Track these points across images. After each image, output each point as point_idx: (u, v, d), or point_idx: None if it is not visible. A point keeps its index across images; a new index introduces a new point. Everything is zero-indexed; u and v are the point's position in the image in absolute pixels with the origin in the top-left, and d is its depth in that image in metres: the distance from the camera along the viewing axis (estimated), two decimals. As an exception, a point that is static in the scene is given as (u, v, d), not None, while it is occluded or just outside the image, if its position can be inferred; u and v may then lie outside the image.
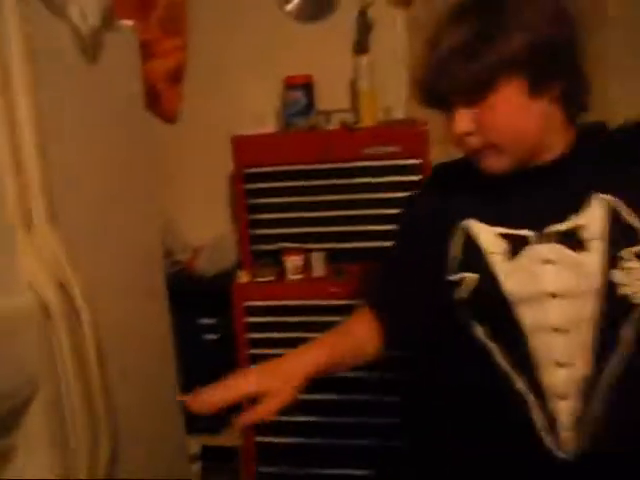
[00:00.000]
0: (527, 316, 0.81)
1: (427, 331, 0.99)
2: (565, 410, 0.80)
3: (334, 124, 1.92)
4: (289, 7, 2.05)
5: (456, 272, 0.85)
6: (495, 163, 0.81)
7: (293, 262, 1.83)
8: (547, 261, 0.80)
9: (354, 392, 1.78)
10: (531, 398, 0.81)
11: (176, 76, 2.03)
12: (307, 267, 1.86)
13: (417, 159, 1.77)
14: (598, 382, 0.79)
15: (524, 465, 0.83)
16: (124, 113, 1.31)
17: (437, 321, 0.92)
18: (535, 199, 0.83)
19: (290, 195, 1.89)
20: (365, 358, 0.93)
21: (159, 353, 1.44)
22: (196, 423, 1.79)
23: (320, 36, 2.03)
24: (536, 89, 0.76)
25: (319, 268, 1.85)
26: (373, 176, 1.82)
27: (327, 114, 1.95)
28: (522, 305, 0.81)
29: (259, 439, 1.87)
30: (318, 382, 1.91)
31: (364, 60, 1.91)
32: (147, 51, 1.87)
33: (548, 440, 0.81)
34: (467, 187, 0.88)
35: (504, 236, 0.83)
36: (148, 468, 1.30)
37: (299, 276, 1.85)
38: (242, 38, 2.09)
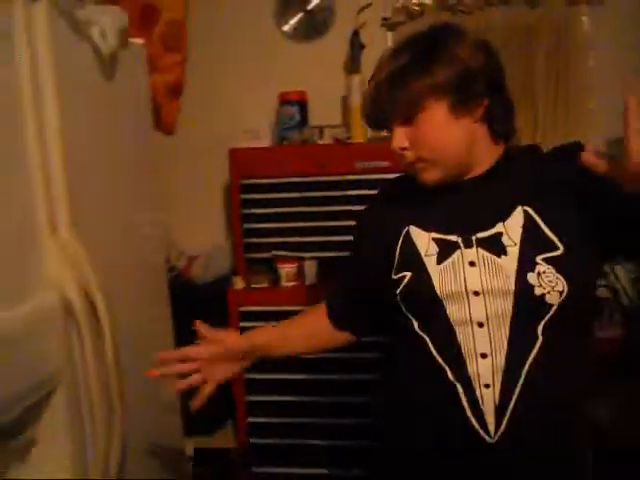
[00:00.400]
0: (453, 311, 0.91)
1: (379, 324, 1.12)
2: (489, 398, 0.90)
3: (327, 139, 2.02)
4: (286, 27, 2.15)
5: (397, 272, 0.96)
6: (428, 175, 0.92)
7: (287, 270, 1.91)
8: (471, 263, 0.91)
9: (348, 394, 1.86)
10: (459, 387, 0.91)
11: (175, 90, 2.11)
12: (300, 275, 1.94)
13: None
14: (517, 373, 0.89)
15: (458, 448, 0.93)
16: (134, 126, 1.38)
17: (387, 316, 1.02)
18: (466, 208, 0.94)
19: (284, 206, 1.97)
20: (321, 344, 1.15)
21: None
22: (188, 424, 1.84)
23: (314, 55, 2.13)
24: (458, 110, 0.89)
25: (312, 276, 1.93)
26: (364, 189, 1.91)
27: (320, 129, 2.04)
28: (449, 301, 0.91)
29: (253, 440, 1.93)
30: (314, 384, 1.98)
31: (356, 78, 2.02)
32: (148, 66, 1.95)
33: (476, 425, 0.90)
34: (409, 199, 1.00)
35: (437, 240, 0.94)
36: (149, 465, 1.35)
37: (292, 283, 1.93)
38: (240, 55, 2.18)
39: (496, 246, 0.90)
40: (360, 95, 2.01)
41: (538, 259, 0.88)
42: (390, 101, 0.89)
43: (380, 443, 1.11)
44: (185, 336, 1.90)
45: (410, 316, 0.96)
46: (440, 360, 0.93)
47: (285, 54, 2.16)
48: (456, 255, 0.92)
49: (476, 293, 0.90)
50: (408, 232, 0.97)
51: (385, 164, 1.91)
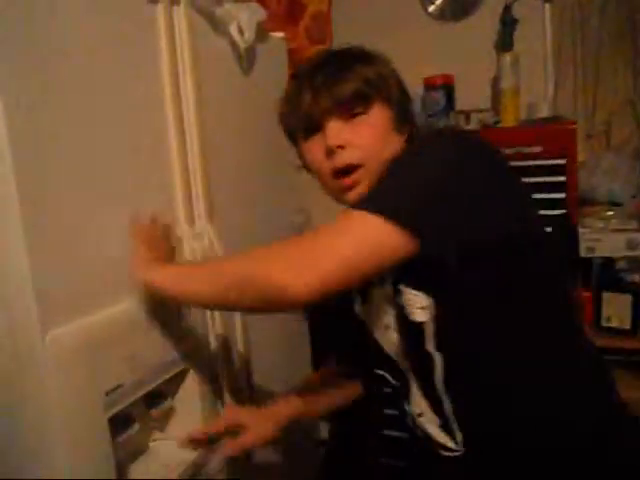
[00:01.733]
0: (385, 346, 0.95)
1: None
2: (430, 423, 0.89)
3: (473, 124, 1.90)
4: (431, 8, 2.06)
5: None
6: (358, 190, 0.85)
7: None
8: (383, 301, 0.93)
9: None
10: (410, 419, 0.94)
11: (320, 81, 2.14)
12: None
13: (562, 159, 1.70)
14: (438, 392, 0.86)
15: (431, 462, 0.92)
16: (271, 118, 1.42)
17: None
18: None
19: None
20: (349, 391, 1.13)
21: (297, 346, 1.54)
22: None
23: (461, 35, 2.02)
24: (398, 125, 0.88)
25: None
26: (514, 177, 1.77)
27: (466, 114, 1.93)
28: (378, 336, 0.95)
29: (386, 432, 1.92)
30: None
31: (507, 57, 1.87)
32: (294, 58, 2.00)
33: (442, 440, 0.88)
34: None
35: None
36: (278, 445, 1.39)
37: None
38: (384, 41, 2.13)
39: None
40: (511, 75, 1.86)
41: (401, 287, 0.84)
42: (337, 90, 0.84)
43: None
44: (318, 329, 1.95)
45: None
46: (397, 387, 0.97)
47: (431, 36, 2.07)
48: (373, 295, 0.97)
49: (386, 327, 0.94)
50: None
51: (538, 149, 1.75)
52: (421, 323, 0.83)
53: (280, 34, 1.46)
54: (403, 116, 0.89)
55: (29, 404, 0.77)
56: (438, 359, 0.84)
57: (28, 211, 0.72)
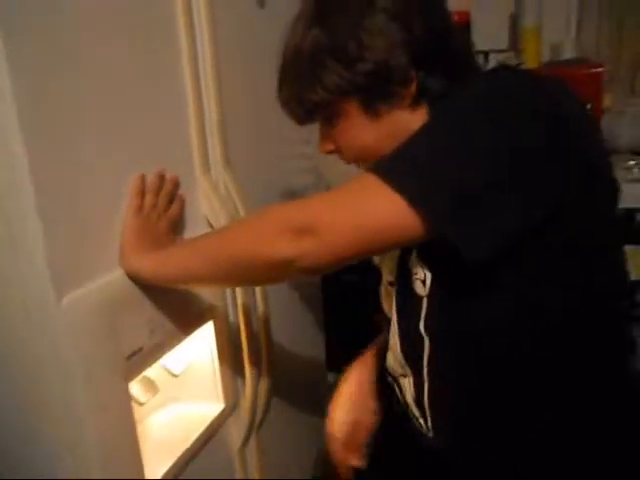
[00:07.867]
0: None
1: None
2: (406, 390, 0.82)
3: (492, 65, 1.80)
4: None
5: None
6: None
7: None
8: None
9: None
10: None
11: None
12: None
13: (586, 104, 1.61)
14: (422, 371, 0.77)
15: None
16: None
17: None
18: None
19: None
20: None
21: (309, 296, 1.50)
22: (330, 360, 1.85)
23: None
24: (376, 107, 0.71)
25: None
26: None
27: (485, 54, 1.83)
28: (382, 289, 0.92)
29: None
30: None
31: (530, -7, 1.76)
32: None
33: (416, 413, 0.82)
34: None
35: None
36: (293, 400, 1.38)
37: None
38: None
39: None
40: (534, 12, 1.75)
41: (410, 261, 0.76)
42: (292, 114, 0.78)
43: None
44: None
45: None
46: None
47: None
48: None
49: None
50: None
51: (562, 94, 1.66)
52: (419, 298, 0.75)
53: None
54: (373, 98, 0.71)
55: (48, 371, 0.72)
56: (427, 342, 0.75)
57: (38, 174, 0.65)
